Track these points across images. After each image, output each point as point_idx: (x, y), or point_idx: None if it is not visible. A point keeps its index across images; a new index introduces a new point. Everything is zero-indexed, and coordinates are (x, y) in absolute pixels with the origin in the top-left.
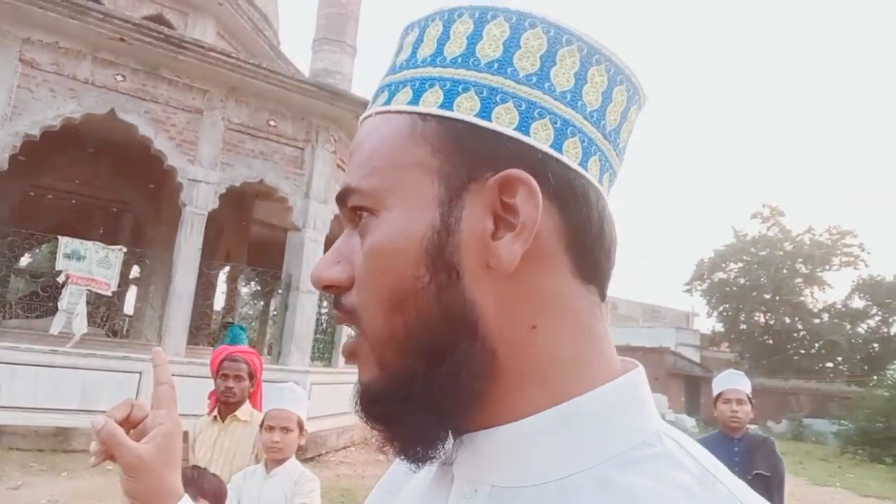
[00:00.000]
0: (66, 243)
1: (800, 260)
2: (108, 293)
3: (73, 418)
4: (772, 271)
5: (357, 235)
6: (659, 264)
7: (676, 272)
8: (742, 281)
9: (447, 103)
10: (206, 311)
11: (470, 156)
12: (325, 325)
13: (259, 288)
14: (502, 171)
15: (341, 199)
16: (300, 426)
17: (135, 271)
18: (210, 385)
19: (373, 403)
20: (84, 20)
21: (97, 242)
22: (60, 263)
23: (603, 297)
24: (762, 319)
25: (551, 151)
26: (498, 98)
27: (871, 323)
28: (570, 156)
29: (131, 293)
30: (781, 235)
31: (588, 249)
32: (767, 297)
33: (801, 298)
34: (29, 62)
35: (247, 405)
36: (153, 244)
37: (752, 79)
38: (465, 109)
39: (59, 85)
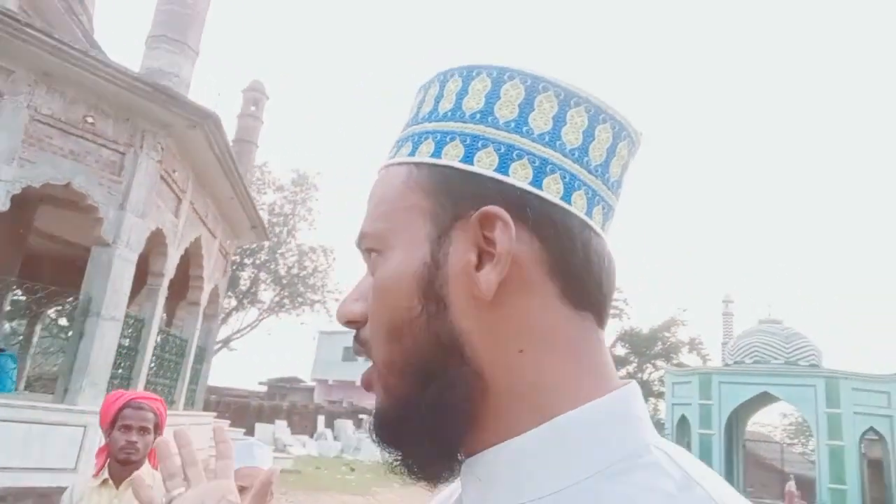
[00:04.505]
0: None
1: None
2: None
3: None
4: None
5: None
6: None
7: None
8: None
9: (437, 152)
10: None
11: (456, 196)
12: (124, 358)
13: (10, 308)
14: (483, 207)
15: (358, 242)
16: None
17: None
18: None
19: (382, 428)
20: None
21: None
22: None
23: (601, 322)
24: None
25: (530, 188)
26: (479, 144)
27: (630, 369)
28: (550, 191)
29: None
30: None
31: (574, 277)
32: None
33: None
34: None
35: (147, 467)
36: None
37: None
38: (452, 156)
39: None
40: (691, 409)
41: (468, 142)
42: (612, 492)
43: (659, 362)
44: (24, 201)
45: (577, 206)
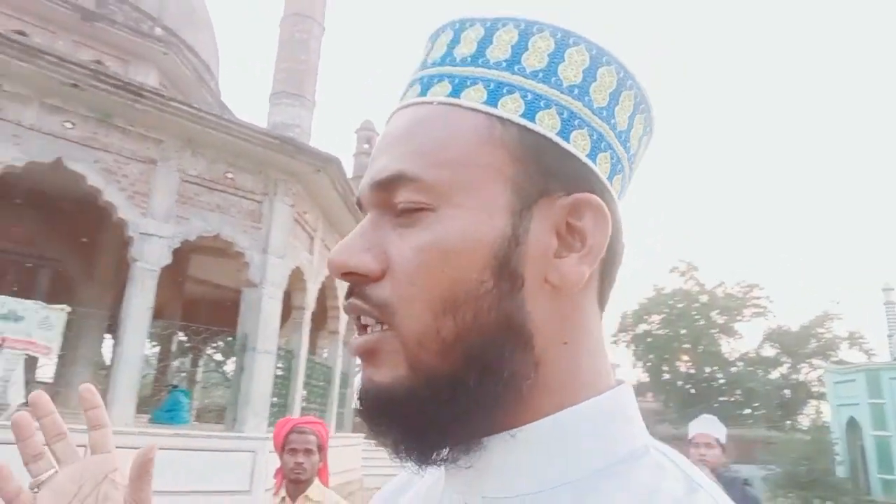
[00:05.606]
0: (1, 303)
1: (715, 311)
2: (51, 358)
3: None
4: (690, 322)
5: (393, 225)
6: None
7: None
8: (663, 332)
9: (529, 115)
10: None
11: (546, 172)
12: (279, 388)
13: (175, 348)
14: (574, 192)
15: (387, 184)
16: None
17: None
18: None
19: (393, 405)
20: (36, 63)
21: (37, 301)
22: None
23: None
24: (683, 368)
25: (607, 182)
26: (576, 122)
27: (783, 370)
28: (615, 187)
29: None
30: (697, 288)
31: (611, 274)
32: (688, 346)
33: (719, 347)
34: None
35: (317, 483)
36: (83, 304)
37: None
38: (548, 126)
39: (1, 130)
40: (860, 409)
41: (566, 115)
42: (614, 492)
43: (815, 361)
44: (179, 253)
45: (621, 203)
